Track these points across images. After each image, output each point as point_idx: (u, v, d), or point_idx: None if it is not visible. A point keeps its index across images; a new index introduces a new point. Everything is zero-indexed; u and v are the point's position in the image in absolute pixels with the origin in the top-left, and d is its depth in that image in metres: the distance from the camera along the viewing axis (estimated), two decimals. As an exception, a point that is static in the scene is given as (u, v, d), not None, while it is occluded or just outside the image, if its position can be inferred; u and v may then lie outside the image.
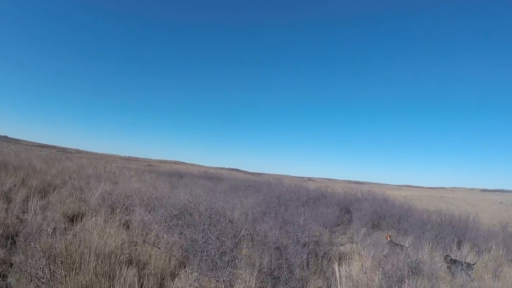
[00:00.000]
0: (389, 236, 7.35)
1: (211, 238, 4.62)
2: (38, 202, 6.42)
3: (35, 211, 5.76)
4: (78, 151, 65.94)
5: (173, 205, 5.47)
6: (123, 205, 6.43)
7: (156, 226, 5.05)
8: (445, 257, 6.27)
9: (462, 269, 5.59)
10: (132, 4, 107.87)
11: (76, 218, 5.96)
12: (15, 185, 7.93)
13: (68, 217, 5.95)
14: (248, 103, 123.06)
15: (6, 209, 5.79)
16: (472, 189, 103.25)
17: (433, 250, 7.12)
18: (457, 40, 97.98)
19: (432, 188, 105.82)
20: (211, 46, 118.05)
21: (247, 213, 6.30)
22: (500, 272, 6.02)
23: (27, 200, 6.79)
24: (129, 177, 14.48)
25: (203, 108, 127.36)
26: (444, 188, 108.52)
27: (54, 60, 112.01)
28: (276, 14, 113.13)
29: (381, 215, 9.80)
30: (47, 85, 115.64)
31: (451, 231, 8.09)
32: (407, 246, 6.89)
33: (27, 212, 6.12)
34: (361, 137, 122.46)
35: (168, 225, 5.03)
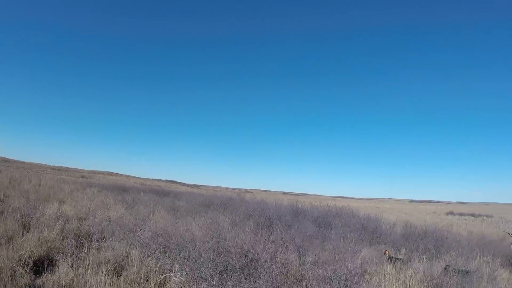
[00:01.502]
0: (387, 251, 7.40)
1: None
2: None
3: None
4: (5, 160, 54.56)
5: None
6: (97, 235, 5.23)
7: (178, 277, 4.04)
8: (445, 267, 6.45)
9: (466, 278, 5.79)
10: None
11: (40, 264, 4.50)
12: None
13: (26, 264, 4.39)
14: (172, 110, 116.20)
15: None
16: (400, 199, 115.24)
17: (430, 260, 7.33)
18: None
19: (363, 199, 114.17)
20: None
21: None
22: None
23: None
24: (70, 192, 13.21)
25: (135, 112, 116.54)
26: (375, 199, 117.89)
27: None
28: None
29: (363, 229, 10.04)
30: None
31: (432, 242, 8.58)
32: (401, 258, 7.11)
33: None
34: (292, 147, 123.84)
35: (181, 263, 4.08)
